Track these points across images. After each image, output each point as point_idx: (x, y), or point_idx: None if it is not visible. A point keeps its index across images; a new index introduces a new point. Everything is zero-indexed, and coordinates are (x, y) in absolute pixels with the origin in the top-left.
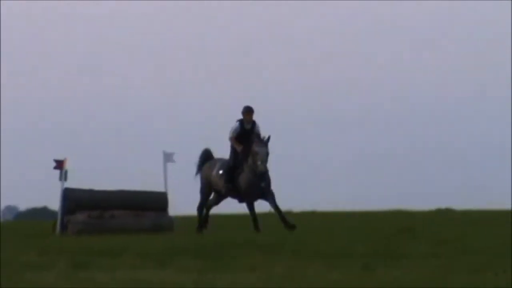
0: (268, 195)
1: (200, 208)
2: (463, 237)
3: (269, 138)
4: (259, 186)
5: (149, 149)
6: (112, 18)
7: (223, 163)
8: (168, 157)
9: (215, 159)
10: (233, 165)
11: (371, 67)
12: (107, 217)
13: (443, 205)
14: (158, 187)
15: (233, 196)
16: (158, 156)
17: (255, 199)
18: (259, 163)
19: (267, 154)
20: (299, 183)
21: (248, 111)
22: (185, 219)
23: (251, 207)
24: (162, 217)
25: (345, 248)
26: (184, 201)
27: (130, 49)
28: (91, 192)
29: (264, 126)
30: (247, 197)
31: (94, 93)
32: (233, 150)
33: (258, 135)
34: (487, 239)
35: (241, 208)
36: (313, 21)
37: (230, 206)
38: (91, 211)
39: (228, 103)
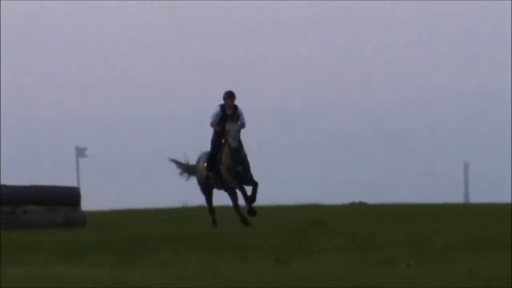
0: (249, 181)
1: (209, 207)
2: (375, 231)
3: (239, 114)
4: (236, 170)
5: (61, 144)
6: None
7: (207, 153)
8: (80, 152)
9: (203, 152)
10: (214, 152)
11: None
12: (19, 213)
13: (356, 199)
14: (70, 182)
15: (219, 186)
16: (70, 151)
17: (236, 185)
18: (230, 140)
19: (237, 130)
20: None
21: (229, 95)
22: (98, 214)
23: (233, 196)
24: (74, 212)
25: (258, 241)
26: (96, 196)
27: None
28: (2, 187)
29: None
30: (228, 184)
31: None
32: (214, 137)
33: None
34: (398, 232)
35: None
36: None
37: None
38: (2, 206)
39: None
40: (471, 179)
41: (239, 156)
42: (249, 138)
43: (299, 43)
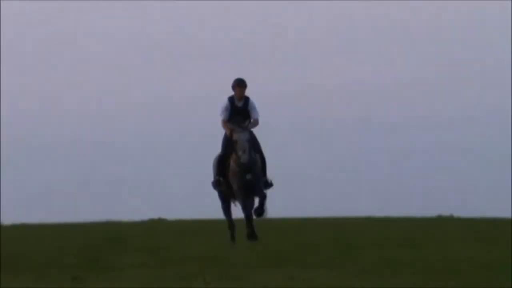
0: (258, 192)
1: (227, 220)
2: (173, 246)
3: (250, 108)
4: (244, 179)
5: None
6: None
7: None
8: None
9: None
10: (224, 154)
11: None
12: None
13: (155, 215)
14: None
15: (230, 195)
16: None
17: (244, 195)
18: (239, 153)
19: (247, 140)
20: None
21: (238, 84)
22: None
23: (244, 206)
24: None
25: (55, 259)
26: None
27: None
28: None
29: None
30: (236, 193)
31: None
32: (224, 136)
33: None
34: (196, 247)
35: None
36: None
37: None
38: None
39: None
40: None
41: (249, 165)
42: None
43: None
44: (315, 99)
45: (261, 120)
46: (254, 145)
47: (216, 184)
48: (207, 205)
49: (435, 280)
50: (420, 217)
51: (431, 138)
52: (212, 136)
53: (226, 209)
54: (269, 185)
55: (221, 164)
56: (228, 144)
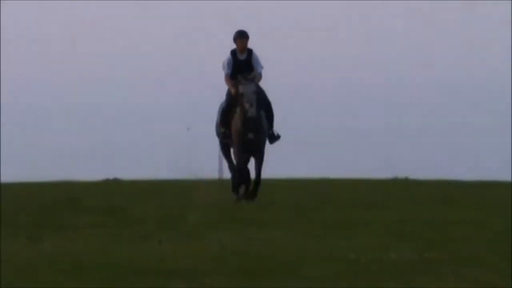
0: (256, 154)
1: (234, 173)
2: (129, 207)
3: (254, 61)
4: (246, 137)
5: None
6: None
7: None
8: None
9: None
10: (227, 108)
11: None
12: None
13: (111, 176)
14: None
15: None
16: None
17: (244, 153)
18: (247, 106)
19: (254, 93)
20: None
21: (240, 36)
22: None
23: (238, 170)
24: None
25: (10, 218)
26: None
27: None
28: None
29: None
30: (233, 152)
31: None
32: (228, 90)
33: (249, 70)
34: (151, 208)
35: None
36: None
37: None
38: None
39: None
40: None
41: (253, 123)
42: None
43: None
44: None
45: (264, 73)
46: (260, 98)
47: (223, 136)
48: (162, 166)
49: (391, 241)
50: (376, 179)
51: (390, 102)
52: (162, 99)
53: (227, 154)
54: (276, 137)
55: (226, 116)
56: (232, 98)
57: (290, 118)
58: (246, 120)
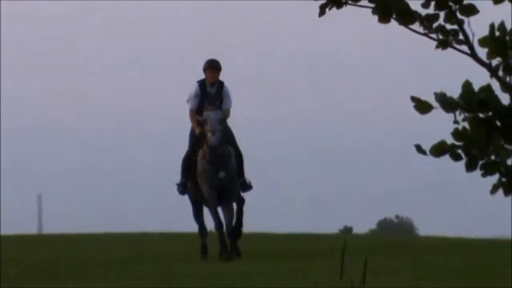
0: (232, 195)
1: (199, 227)
2: None
3: (223, 95)
4: (215, 177)
5: None
6: None
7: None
8: None
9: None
10: (191, 152)
11: None
12: None
13: None
14: None
15: (200, 200)
16: None
17: (215, 200)
18: (208, 134)
19: (220, 120)
20: None
21: (211, 66)
22: None
23: (214, 214)
24: None
25: None
26: None
27: None
28: None
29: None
30: (206, 197)
31: None
32: (191, 130)
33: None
34: None
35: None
36: None
37: None
38: None
39: None
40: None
41: (221, 159)
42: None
43: None
44: None
45: (232, 111)
46: (228, 138)
47: (182, 188)
48: None
49: None
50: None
51: None
52: None
53: (199, 214)
54: (248, 186)
55: (188, 164)
56: (196, 139)
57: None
58: (209, 151)
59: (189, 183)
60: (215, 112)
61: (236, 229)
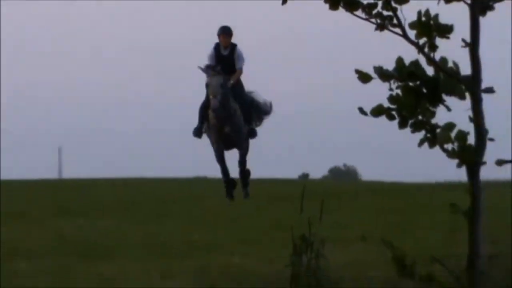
0: (238, 145)
1: (222, 171)
2: None
3: (236, 56)
4: (222, 131)
5: None
6: None
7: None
8: None
9: None
10: (206, 101)
11: None
12: None
13: None
14: None
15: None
16: None
17: (223, 148)
18: (210, 97)
19: (220, 85)
20: None
21: (223, 32)
22: None
23: (220, 164)
24: None
25: None
26: None
27: None
28: None
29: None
30: (214, 146)
31: None
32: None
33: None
34: None
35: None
36: None
37: None
38: None
39: None
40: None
41: (225, 114)
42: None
43: None
44: None
45: (245, 68)
46: (237, 92)
47: (197, 133)
48: None
49: (194, 228)
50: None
51: None
52: None
53: (219, 156)
54: (254, 133)
55: (204, 111)
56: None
57: None
58: (215, 116)
59: (205, 128)
60: (216, 78)
61: (242, 176)
